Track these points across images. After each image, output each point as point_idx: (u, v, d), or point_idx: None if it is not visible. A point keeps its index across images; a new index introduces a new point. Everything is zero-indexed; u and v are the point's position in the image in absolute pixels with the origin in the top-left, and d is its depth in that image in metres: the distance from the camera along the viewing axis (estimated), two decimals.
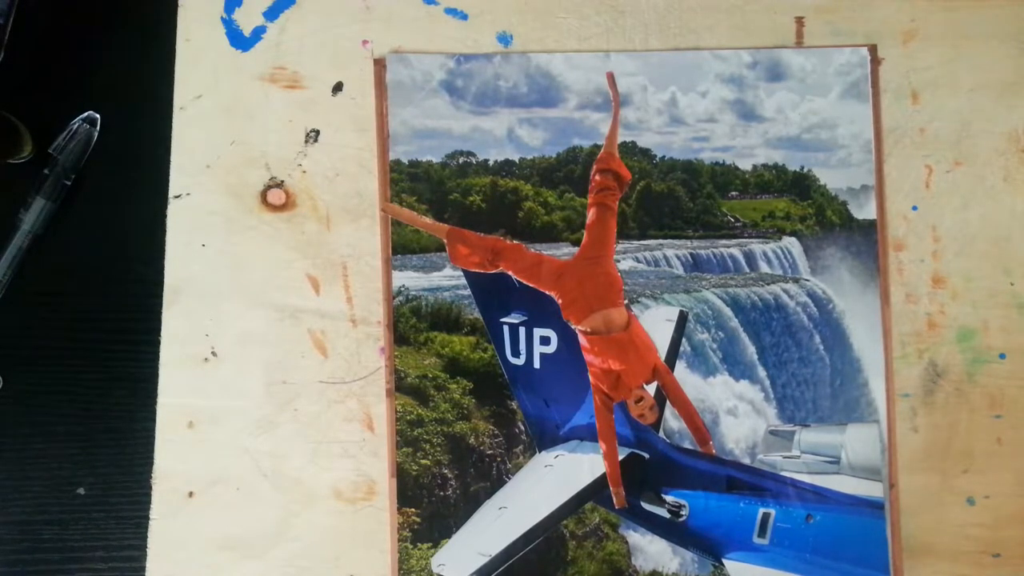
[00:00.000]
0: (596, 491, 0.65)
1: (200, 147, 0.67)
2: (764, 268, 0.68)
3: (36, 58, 0.69)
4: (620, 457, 0.65)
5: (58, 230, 0.67)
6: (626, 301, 0.66)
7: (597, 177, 0.66)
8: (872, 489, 0.64)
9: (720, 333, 0.67)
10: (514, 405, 0.66)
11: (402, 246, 0.66)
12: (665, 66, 0.68)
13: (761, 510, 0.64)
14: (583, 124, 0.67)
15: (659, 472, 0.65)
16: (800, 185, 0.67)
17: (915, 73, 0.68)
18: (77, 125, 0.67)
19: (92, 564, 0.65)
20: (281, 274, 0.67)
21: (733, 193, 0.68)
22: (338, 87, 0.68)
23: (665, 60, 0.68)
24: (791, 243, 0.68)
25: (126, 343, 0.66)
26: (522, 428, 0.66)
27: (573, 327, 0.65)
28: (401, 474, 0.65)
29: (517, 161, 0.67)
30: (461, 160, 0.67)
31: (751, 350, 0.66)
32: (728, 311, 0.67)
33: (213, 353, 0.66)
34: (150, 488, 0.65)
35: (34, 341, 0.67)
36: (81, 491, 0.66)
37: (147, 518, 0.65)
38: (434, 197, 0.67)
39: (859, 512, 0.64)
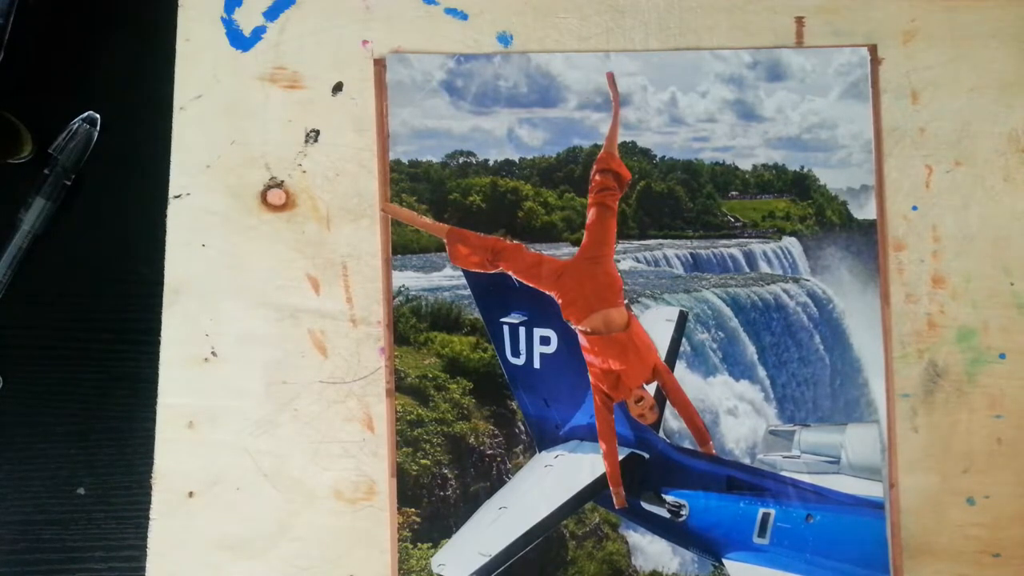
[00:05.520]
0: (596, 491, 0.65)
1: (200, 147, 0.67)
2: (764, 268, 0.68)
3: (36, 58, 0.69)
4: (620, 457, 0.65)
5: (58, 230, 0.67)
6: (626, 301, 0.66)
7: (597, 177, 0.66)
8: (872, 489, 0.64)
9: (720, 333, 0.67)
10: (514, 405, 0.66)
11: (402, 246, 0.66)
12: (665, 66, 0.68)
13: (761, 510, 0.64)
14: (583, 124, 0.67)
15: (659, 472, 0.65)
16: (800, 185, 0.67)
17: (915, 73, 0.68)
18: (77, 125, 0.67)
19: (92, 564, 0.65)
20: (281, 274, 0.67)
21: (733, 193, 0.68)
22: (338, 87, 0.68)
23: (665, 60, 0.68)
24: (791, 243, 0.68)
25: (126, 343, 0.67)
26: (522, 428, 0.66)
27: (573, 327, 0.65)
28: (401, 474, 0.65)
29: (517, 161, 0.67)
30: (461, 160, 0.67)
31: (751, 350, 0.66)
32: (728, 311, 0.67)
33: (213, 353, 0.66)
34: (150, 488, 0.65)
35: (34, 341, 0.67)
36: (81, 491, 0.66)
37: (147, 518, 0.65)
38: (434, 197, 0.67)
39: (859, 512, 0.64)
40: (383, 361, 0.66)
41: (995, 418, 0.66)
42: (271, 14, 0.68)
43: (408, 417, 0.65)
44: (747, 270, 0.68)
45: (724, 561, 0.64)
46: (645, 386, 0.65)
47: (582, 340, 0.65)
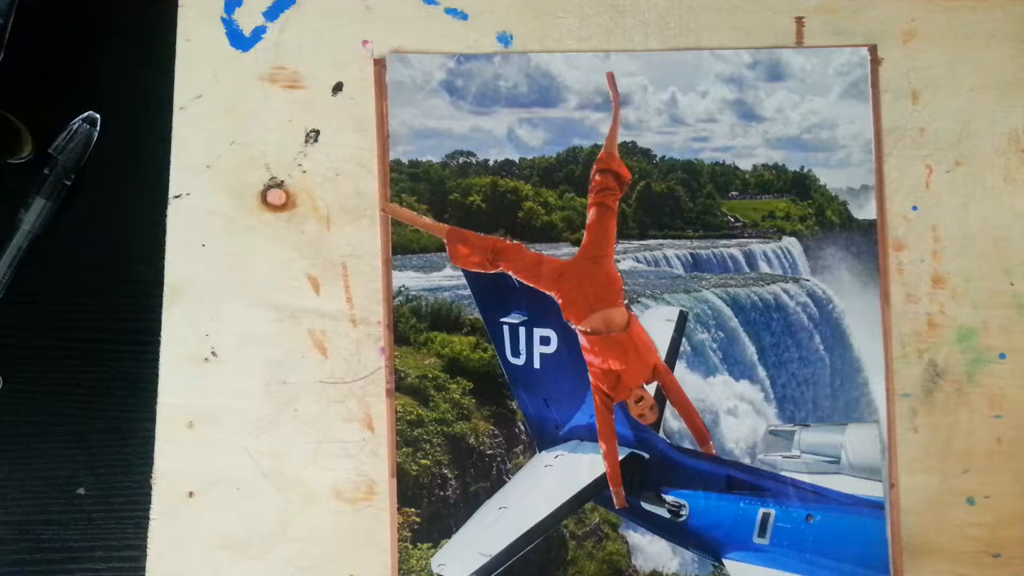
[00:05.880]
0: (596, 491, 0.65)
1: (200, 147, 0.67)
2: (764, 268, 0.68)
3: (36, 58, 0.69)
4: (620, 457, 0.65)
5: (58, 230, 0.67)
6: (626, 301, 0.66)
7: (597, 177, 0.66)
8: (872, 489, 0.64)
9: (720, 333, 0.67)
10: (514, 405, 0.66)
11: (402, 246, 0.66)
12: (665, 66, 0.68)
13: (761, 510, 0.64)
14: (583, 124, 0.67)
15: (659, 472, 0.65)
16: (800, 185, 0.67)
17: (915, 73, 0.68)
18: (77, 125, 0.67)
19: (92, 564, 0.65)
20: (281, 274, 0.67)
21: (733, 193, 0.68)
22: (338, 87, 0.68)
23: (665, 60, 0.68)
24: (791, 243, 0.68)
25: (126, 343, 0.66)
26: (522, 428, 0.66)
27: (573, 327, 0.65)
28: (401, 474, 0.65)
29: (517, 161, 0.67)
30: (461, 160, 0.67)
31: (751, 350, 0.66)
32: (728, 311, 0.67)
33: (213, 353, 0.66)
34: (150, 488, 0.65)
35: (34, 341, 0.67)
36: (81, 491, 0.66)
37: (147, 518, 0.65)
38: (434, 197, 0.67)
39: (859, 512, 0.64)
40: (383, 361, 0.66)
41: (995, 418, 0.66)
42: (271, 14, 0.68)
43: (408, 417, 0.65)
44: (747, 270, 0.68)
45: (724, 561, 0.64)
46: (645, 386, 0.65)
47: (582, 340, 0.65)
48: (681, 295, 0.67)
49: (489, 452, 0.65)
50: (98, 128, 0.67)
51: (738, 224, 0.68)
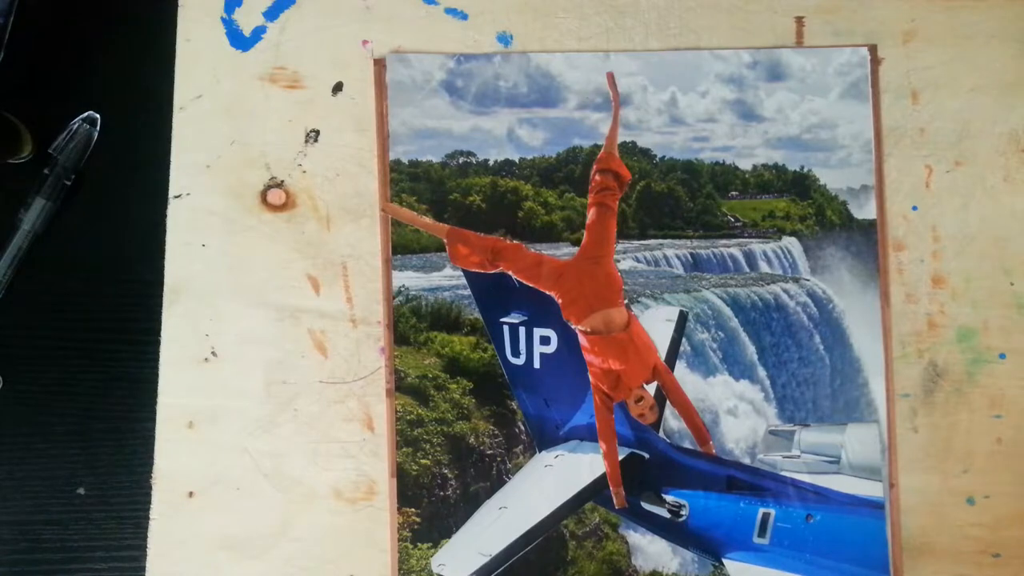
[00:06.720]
0: (596, 491, 0.65)
1: (200, 147, 0.67)
2: (764, 268, 0.68)
3: (36, 58, 0.69)
4: (620, 457, 0.65)
5: (58, 230, 0.67)
6: (626, 301, 0.66)
7: (597, 177, 0.66)
8: (872, 489, 0.64)
9: (720, 333, 0.67)
10: (514, 405, 0.66)
11: (402, 246, 0.66)
12: (665, 66, 0.68)
13: (761, 510, 0.64)
14: (583, 124, 0.67)
15: (659, 472, 0.65)
16: (800, 185, 0.67)
17: (915, 73, 0.68)
18: (77, 125, 0.67)
19: (92, 564, 0.65)
20: (281, 274, 0.67)
21: (733, 193, 0.68)
22: (338, 87, 0.68)
23: (665, 60, 0.68)
24: (791, 243, 0.68)
25: (126, 343, 0.67)
26: (522, 428, 0.66)
27: (573, 327, 0.65)
28: (401, 474, 0.65)
29: (517, 161, 0.67)
30: (461, 160, 0.67)
31: (751, 350, 0.66)
32: (728, 311, 0.67)
33: (213, 353, 0.66)
34: (150, 488, 0.65)
35: (34, 341, 0.67)
36: (81, 491, 0.66)
37: (147, 518, 0.65)
38: (434, 197, 0.67)
39: (859, 512, 0.64)
40: (383, 361, 0.66)
41: (995, 418, 0.66)
42: (271, 14, 0.68)
43: (408, 417, 0.65)
44: (747, 270, 0.68)
45: (724, 561, 0.64)
46: (645, 386, 0.65)
47: (582, 340, 0.65)
48: (681, 295, 0.67)
49: (489, 452, 0.65)
50: (98, 128, 0.67)
51: (738, 224, 0.68)
